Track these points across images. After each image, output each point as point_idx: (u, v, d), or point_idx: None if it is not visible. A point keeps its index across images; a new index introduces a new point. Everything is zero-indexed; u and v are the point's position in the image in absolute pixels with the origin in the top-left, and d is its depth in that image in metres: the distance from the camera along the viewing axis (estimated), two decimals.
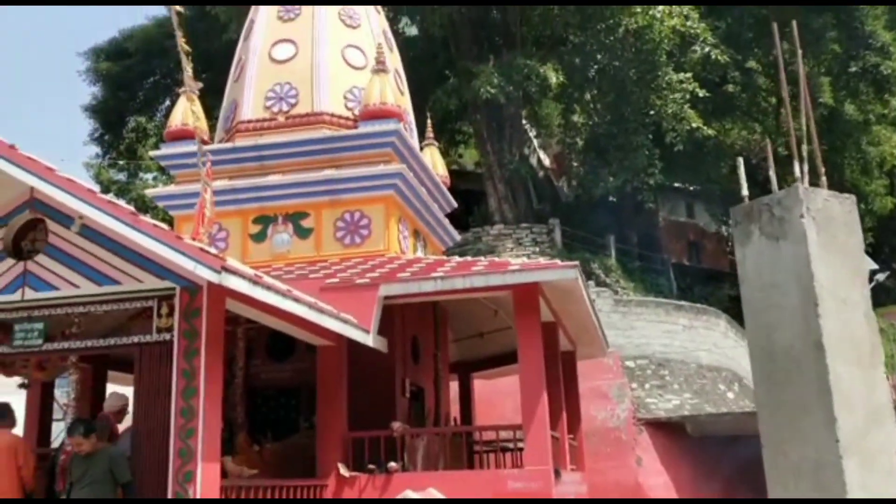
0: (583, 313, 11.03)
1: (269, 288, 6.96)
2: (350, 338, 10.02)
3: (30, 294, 7.41)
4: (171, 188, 13.16)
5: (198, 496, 6.62)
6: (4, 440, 7.13)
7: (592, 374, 17.10)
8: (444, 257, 12.94)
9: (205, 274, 6.35)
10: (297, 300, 7.48)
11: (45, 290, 7.40)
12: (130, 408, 8.04)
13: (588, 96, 24.84)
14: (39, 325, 7.42)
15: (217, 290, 7.14)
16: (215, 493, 6.88)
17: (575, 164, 28.07)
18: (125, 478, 6.95)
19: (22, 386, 9.03)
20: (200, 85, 8.22)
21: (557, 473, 9.58)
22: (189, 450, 6.73)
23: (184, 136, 13.47)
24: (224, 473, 7.63)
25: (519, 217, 23.48)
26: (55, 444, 9.79)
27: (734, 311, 20.98)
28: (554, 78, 21.07)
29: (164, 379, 7.03)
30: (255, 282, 6.77)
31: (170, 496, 6.66)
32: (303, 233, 12.73)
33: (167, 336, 7.14)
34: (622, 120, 22.34)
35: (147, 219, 6.67)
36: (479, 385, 17.66)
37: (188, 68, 7.49)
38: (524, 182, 24.03)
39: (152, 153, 13.65)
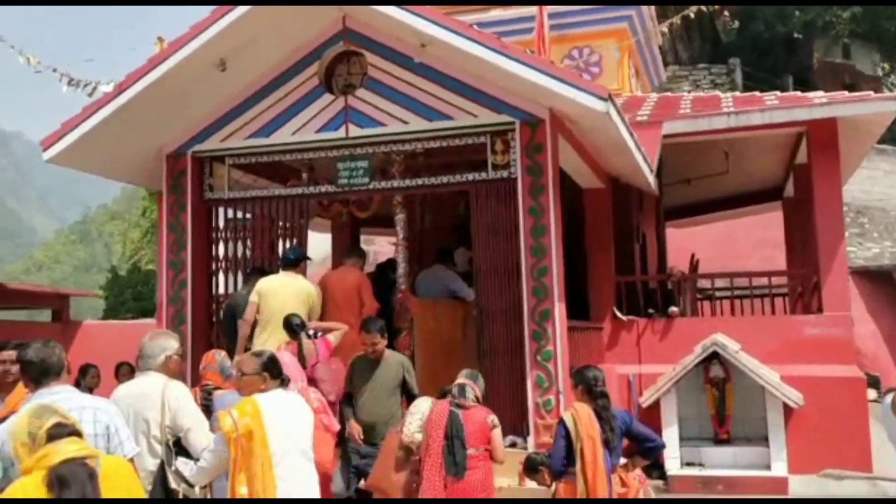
0: (862, 156, 10.18)
1: (623, 119, 6.46)
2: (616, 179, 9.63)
3: (354, 131, 7.13)
4: None
5: (557, 335, 6.47)
6: (352, 278, 7.05)
7: None
8: (706, 94, 12.14)
9: (588, 102, 5.86)
10: (631, 133, 6.99)
11: (370, 126, 7.10)
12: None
13: None
14: (364, 164, 7.19)
15: (559, 123, 6.72)
16: (566, 332, 6.72)
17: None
18: (415, 390, 6.09)
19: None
20: None
21: None
22: (544, 288, 6.52)
23: None
24: None
25: (694, 57, 22.04)
26: None
27: None
28: None
29: (506, 217, 6.76)
30: (619, 111, 6.28)
31: (526, 335, 6.53)
32: None
33: (505, 173, 6.80)
34: None
35: (512, 44, 6.16)
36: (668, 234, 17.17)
37: None
38: (700, 18, 22.34)
39: None
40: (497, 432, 5.26)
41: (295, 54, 7.33)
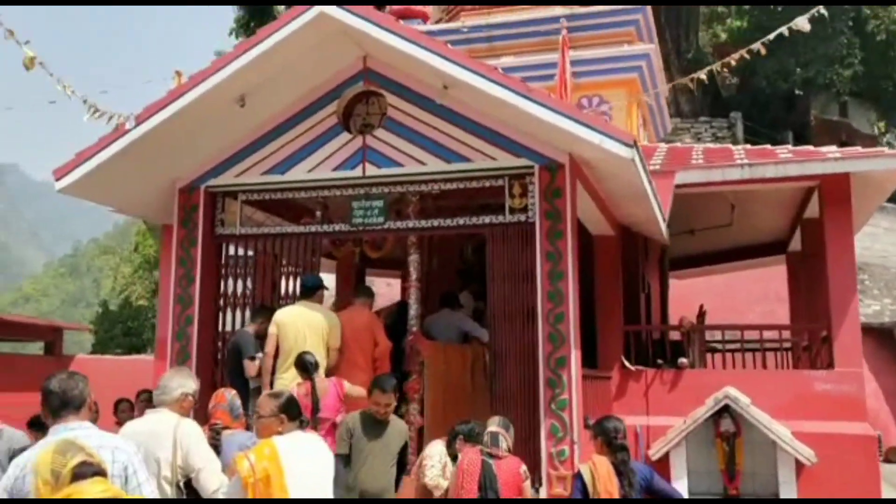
0: (871, 212, 10.17)
1: (644, 167, 6.43)
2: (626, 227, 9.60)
3: (371, 170, 7.08)
4: None
5: (573, 383, 6.34)
6: (363, 318, 6.93)
7: None
8: (716, 146, 12.17)
9: (614, 149, 5.83)
10: (650, 181, 6.96)
11: (387, 166, 7.05)
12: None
13: None
14: (379, 203, 7.12)
15: (578, 168, 6.68)
16: (580, 380, 6.60)
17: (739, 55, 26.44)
18: (407, 462, 5.93)
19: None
20: None
21: None
22: (560, 335, 6.40)
23: (409, 16, 12.90)
24: None
25: (696, 111, 22.28)
26: None
27: None
28: None
29: (523, 261, 6.68)
30: (642, 158, 6.24)
31: (541, 382, 6.40)
32: None
33: (522, 217, 6.74)
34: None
35: (538, 88, 6.13)
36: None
37: None
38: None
39: None
40: (528, 484, 5.20)
41: (314, 92, 7.30)
